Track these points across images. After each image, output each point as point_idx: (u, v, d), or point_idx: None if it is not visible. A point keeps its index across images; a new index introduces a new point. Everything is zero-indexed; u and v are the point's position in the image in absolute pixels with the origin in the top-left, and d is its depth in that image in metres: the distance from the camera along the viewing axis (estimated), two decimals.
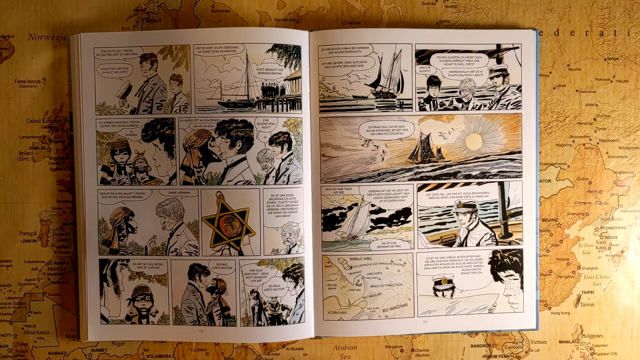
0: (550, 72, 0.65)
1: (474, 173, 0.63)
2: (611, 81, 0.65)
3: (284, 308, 0.62)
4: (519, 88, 0.63)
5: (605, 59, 0.65)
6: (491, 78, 0.63)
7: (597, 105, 0.65)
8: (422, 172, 0.63)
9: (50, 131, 0.64)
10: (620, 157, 0.65)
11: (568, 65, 0.65)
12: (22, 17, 0.63)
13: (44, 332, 0.64)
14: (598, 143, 0.65)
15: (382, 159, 0.63)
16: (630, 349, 0.65)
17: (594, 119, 0.65)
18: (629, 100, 0.65)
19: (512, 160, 0.63)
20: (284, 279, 0.62)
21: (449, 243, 0.63)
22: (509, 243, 0.64)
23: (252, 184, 0.61)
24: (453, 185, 0.63)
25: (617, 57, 0.65)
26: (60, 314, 0.64)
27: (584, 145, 0.65)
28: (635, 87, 0.65)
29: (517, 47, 0.63)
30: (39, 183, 0.64)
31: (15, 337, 0.64)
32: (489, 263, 0.64)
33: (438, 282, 0.63)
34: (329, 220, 0.62)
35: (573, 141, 0.65)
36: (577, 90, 0.65)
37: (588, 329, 0.65)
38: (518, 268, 0.64)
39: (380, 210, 0.63)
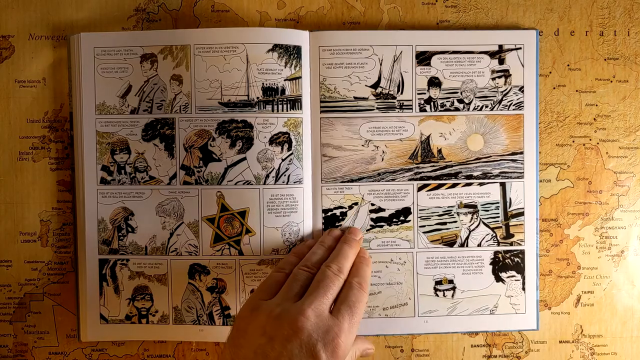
0: (550, 72, 0.64)
1: (475, 174, 0.63)
2: (611, 81, 0.65)
3: None
4: (521, 89, 0.63)
5: (605, 59, 0.65)
6: (493, 79, 0.63)
7: (597, 105, 0.65)
8: (422, 172, 0.63)
9: (50, 131, 0.63)
10: (620, 157, 0.65)
11: (568, 65, 0.65)
12: (22, 17, 0.63)
13: (44, 332, 0.64)
14: (598, 143, 0.65)
15: (382, 159, 0.63)
16: (630, 349, 0.65)
17: (594, 119, 0.65)
18: (629, 100, 0.65)
19: (513, 161, 0.63)
20: None
21: (450, 243, 0.63)
22: (511, 244, 0.64)
23: (252, 184, 0.61)
24: (454, 185, 0.63)
25: (617, 57, 0.65)
26: (60, 314, 0.64)
27: (584, 145, 0.65)
28: (635, 87, 0.65)
29: (520, 48, 0.63)
30: (39, 183, 0.63)
31: (15, 337, 0.64)
32: (490, 264, 0.64)
33: (439, 282, 0.63)
34: (330, 219, 0.62)
35: (573, 141, 0.65)
36: (577, 90, 0.65)
37: (588, 329, 0.65)
38: (519, 269, 0.64)
39: (380, 210, 0.63)
